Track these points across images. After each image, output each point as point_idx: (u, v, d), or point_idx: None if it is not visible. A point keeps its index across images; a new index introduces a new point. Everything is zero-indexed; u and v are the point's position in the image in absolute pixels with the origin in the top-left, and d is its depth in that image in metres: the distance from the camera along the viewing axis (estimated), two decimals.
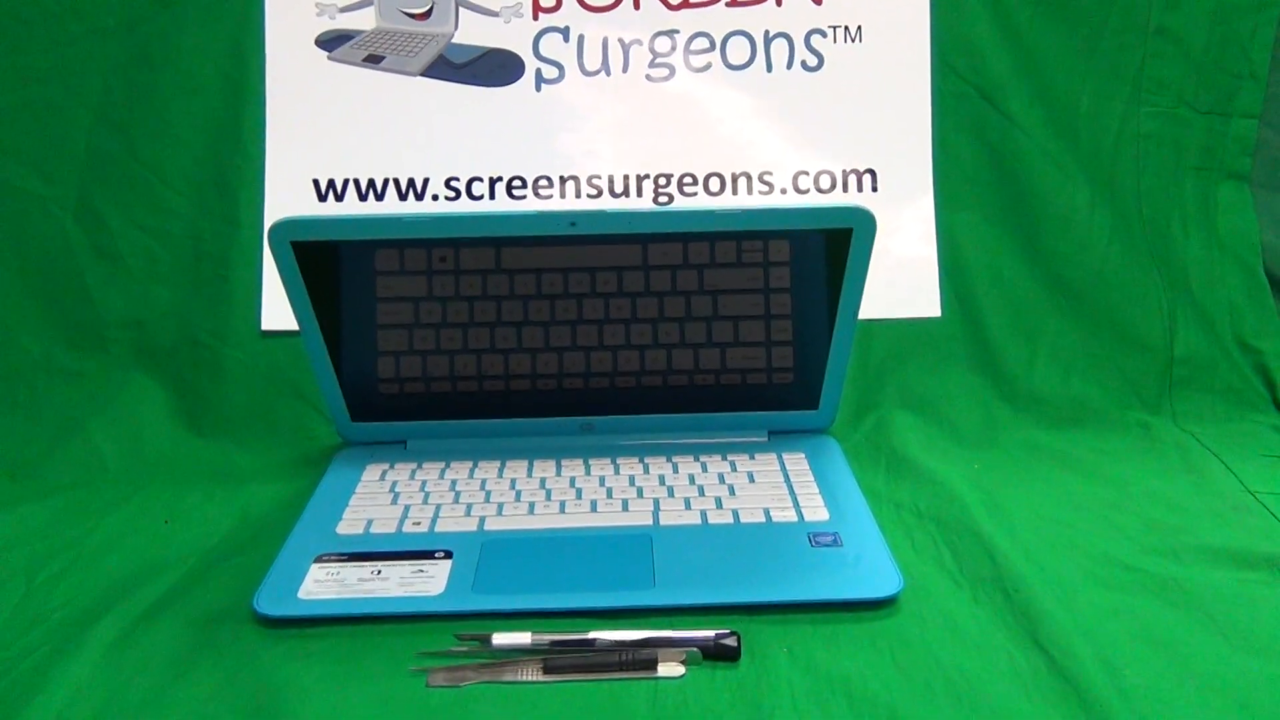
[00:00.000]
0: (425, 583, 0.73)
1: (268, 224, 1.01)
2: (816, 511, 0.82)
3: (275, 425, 0.98)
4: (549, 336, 0.96)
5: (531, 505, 0.84)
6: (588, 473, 0.90)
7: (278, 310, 1.01)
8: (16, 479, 0.92)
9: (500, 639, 0.68)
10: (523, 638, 0.68)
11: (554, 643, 0.67)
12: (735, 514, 0.82)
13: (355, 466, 0.92)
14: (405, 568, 0.75)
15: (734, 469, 0.90)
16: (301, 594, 0.72)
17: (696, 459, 0.92)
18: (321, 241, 0.84)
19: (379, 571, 0.75)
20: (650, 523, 0.81)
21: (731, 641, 0.66)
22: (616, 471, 0.90)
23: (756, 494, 0.85)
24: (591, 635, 0.68)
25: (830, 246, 0.85)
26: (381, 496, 0.86)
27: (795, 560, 0.75)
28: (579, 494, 0.86)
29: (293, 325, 0.86)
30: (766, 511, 0.82)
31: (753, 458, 0.92)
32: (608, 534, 0.79)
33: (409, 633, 0.70)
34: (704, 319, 0.96)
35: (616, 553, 0.77)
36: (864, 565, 0.74)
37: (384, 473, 0.90)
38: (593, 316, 0.96)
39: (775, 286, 0.96)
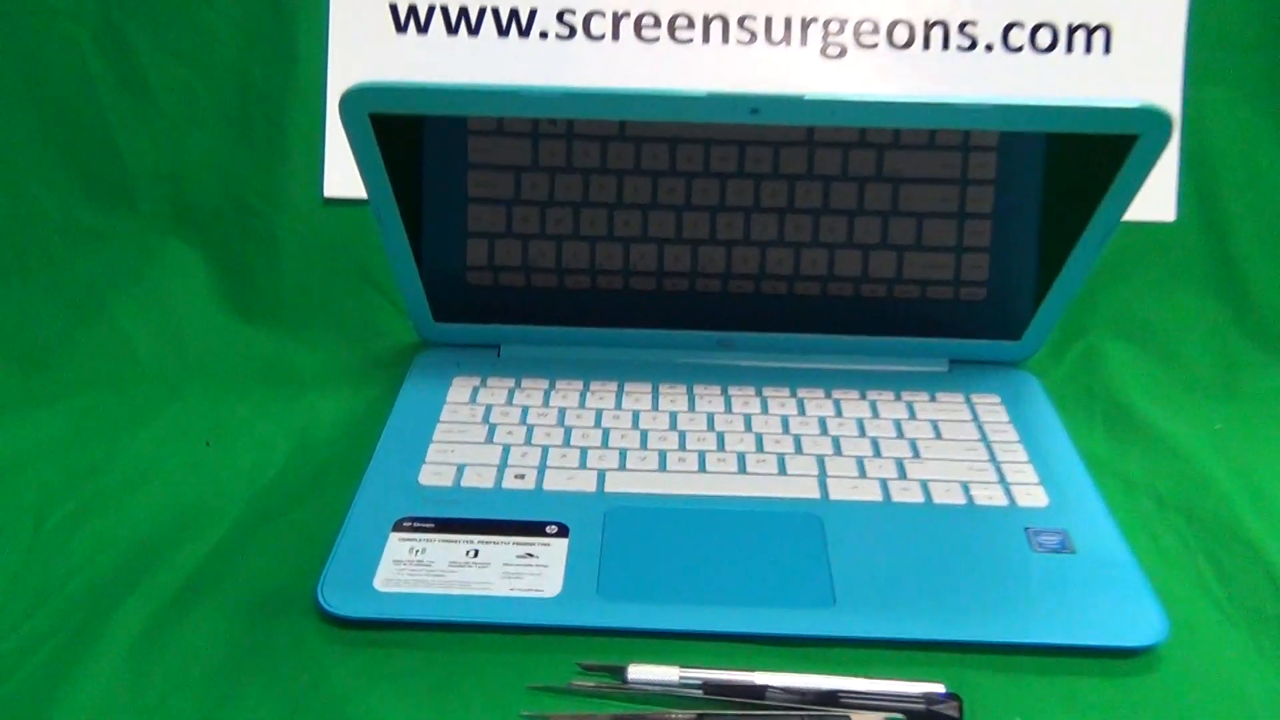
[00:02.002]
0: (536, 576, 0.57)
1: (333, 62, 0.80)
2: (1031, 491, 0.64)
3: (340, 317, 0.80)
4: (681, 224, 0.76)
5: (662, 457, 0.66)
6: (728, 408, 0.71)
7: (344, 172, 0.81)
8: (29, 372, 0.75)
9: (639, 673, 0.52)
10: (667, 673, 0.52)
11: (710, 685, 0.51)
12: (925, 489, 0.64)
13: (439, 379, 0.74)
14: (510, 547, 0.58)
15: (912, 414, 0.71)
16: (379, 583, 0.56)
17: (863, 395, 0.73)
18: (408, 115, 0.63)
19: (476, 553, 0.58)
20: (818, 495, 0.63)
21: (951, 713, 0.49)
22: (764, 409, 0.71)
23: (947, 456, 0.67)
24: (759, 679, 0.51)
25: (1091, 148, 0.63)
26: (473, 429, 0.69)
27: (1015, 572, 0.58)
28: (720, 441, 0.68)
29: (362, 192, 0.66)
30: (965, 488, 0.64)
31: (933, 398, 0.73)
32: (766, 510, 0.62)
33: (517, 648, 0.54)
34: (879, 213, 0.76)
35: (780, 543, 0.59)
36: (1108, 587, 0.56)
37: (475, 390, 0.73)
38: (738, 202, 0.76)
39: (977, 177, 0.75)
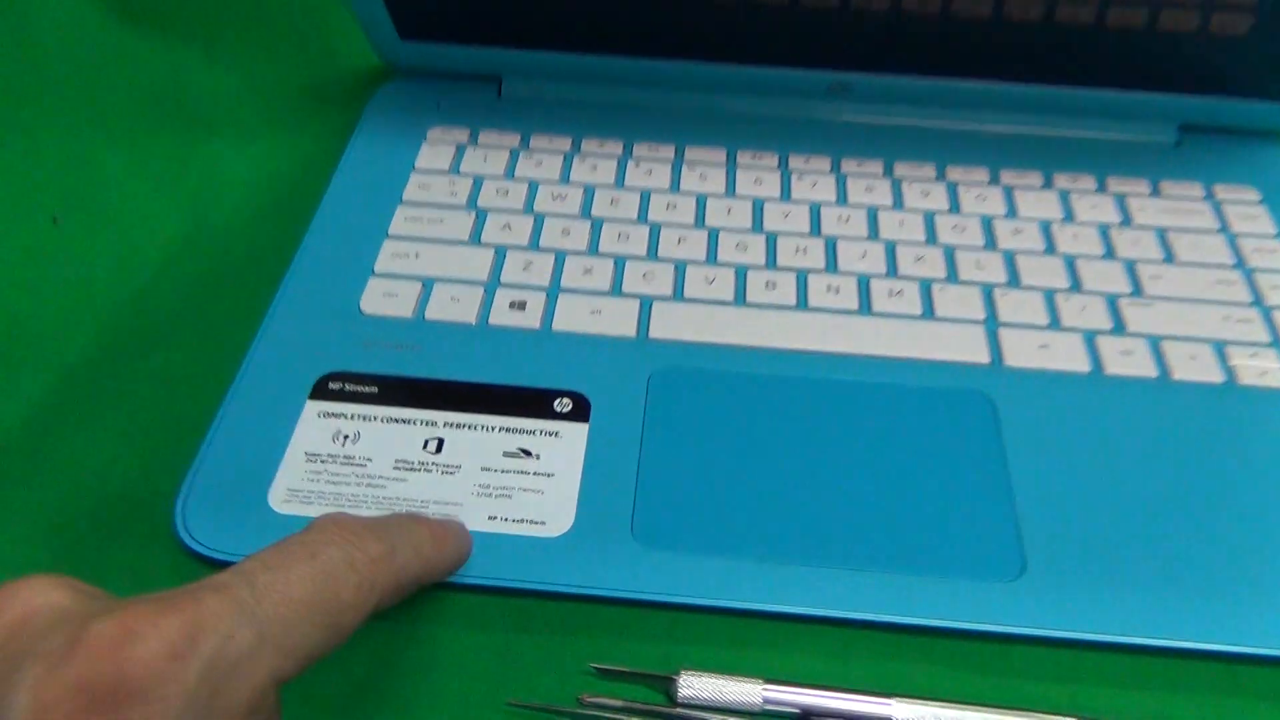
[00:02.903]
0: (534, 497, 0.35)
1: None
2: None
3: (264, 27, 0.54)
4: None
5: (740, 274, 0.43)
6: (841, 195, 0.47)
7: None
8: None
9: (696, 686, 0.31)
10: (743, 691, 0.31)
11: (810, 715, 0.30)
12: (1156, 352, 0.40)
13: (405, 130, 0.49)
14: (494, 438, 0.36)
15: (1125, 216, 0.46)
16: (277, 497, 0.34)
17: (1048, 182, 0.48)
18: None
19: (439, 445, 0.36)
20: (985, 357, 0.40)
21: None
22: (896, 198, 0.47)
23: (1187, 293, 0.43)
24: (897, 712, 0.30)
25: None
26: (452, 218, 0.45)
27: None
28: (830, 254, 0.44)
29: None
30: (1219, 352, 0.40)
31: (1156, 189, 0.48)
32: (902, 382, 0.39)
33: (494, 623, 0.33)
34: None
35: (927, 446, 0.37)
36: None
37: (458, 152, 0.48)
38: None
39: None
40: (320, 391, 0.38)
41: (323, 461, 0.35)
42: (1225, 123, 0.49)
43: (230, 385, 0.38)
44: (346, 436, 0.36)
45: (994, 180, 0.48)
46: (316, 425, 0.37)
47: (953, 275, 0.43)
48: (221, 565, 0.33)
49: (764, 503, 0.35)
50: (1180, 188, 0.47)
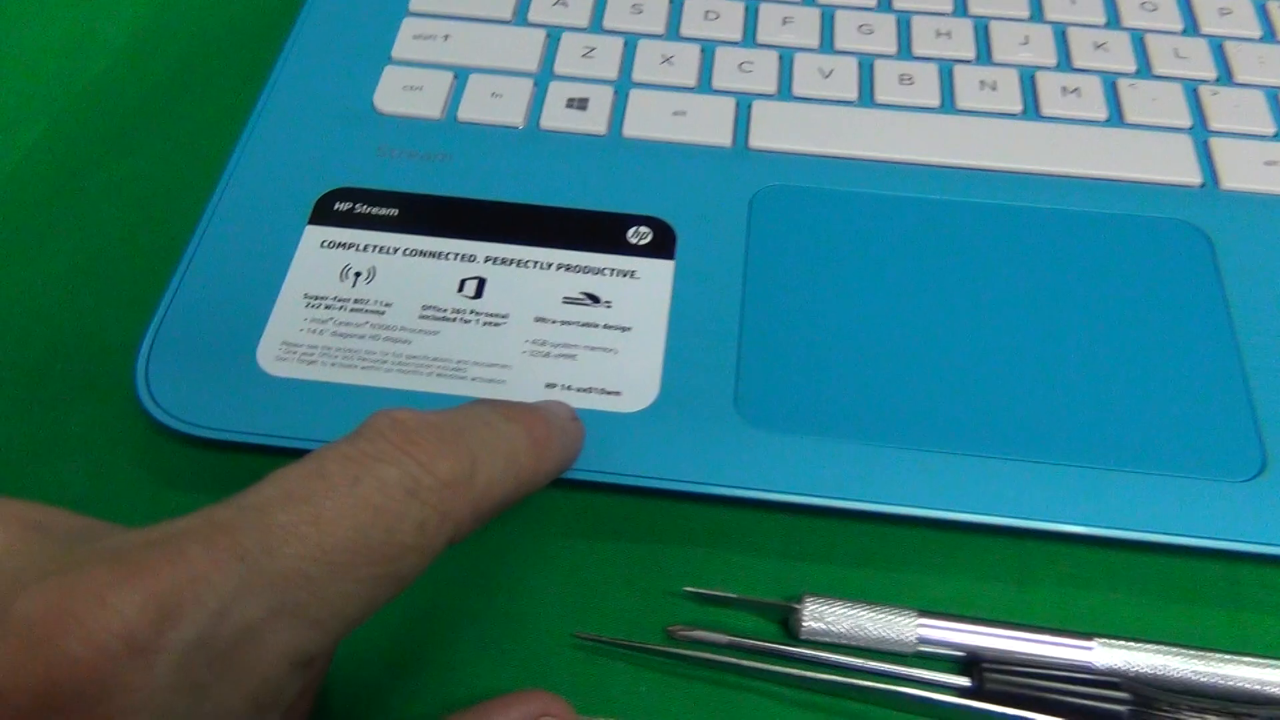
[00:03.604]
0: (605, 356, 0.26)
1: None
2: None
3: None
4: None
5: (864, 65, 0.33)
6: None
7: None
8: None
9: (822, 618, 0.23)
10: (895, 625, 0.23)
11: (980, 660, 0.22)
12: None
13: None
14: (552, 277, 0.28)
15: None
16: (268, 355, 0.26)
17: None
18: None
19: (479, 287, 0.27)
20: (1195, 178, 0.30)
21: None
22: None
23: None
24: (1094, 653, 0.22)
25: None
26: None
27: None
28: (980, 37, 0.34)
29: None
30: None
31: None
32: (1085, 214, 0.29)
33: (553, 525, 0.25)
34: None
35: (1125, 297, 0.28)
36: None
37: None
38: None
39: None
40: (323, 213, 0.29)
41: (327, 306, 0.27)
42: None
43: (207, 203, 0.29)
44: (358, 274, 0.28)
45: None
46: (319, 258, 0.28)
47: (1145, 68, 0.33)
48: (196, 442, 0.25)
49: (912, 370, 0.26)
50: None
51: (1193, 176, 0.30)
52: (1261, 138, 0.31)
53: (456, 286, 0.27)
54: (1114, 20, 0.34)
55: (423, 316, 0.27)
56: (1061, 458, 0.25)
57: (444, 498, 0.18)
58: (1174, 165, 0.30)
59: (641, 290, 0.27)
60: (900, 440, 0.25)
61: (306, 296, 0.27)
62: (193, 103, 0.33)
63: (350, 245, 0.28)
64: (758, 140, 0.31)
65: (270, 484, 0.17)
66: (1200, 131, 0.31)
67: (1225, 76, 0.33)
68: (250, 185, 0.29)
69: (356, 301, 0.27)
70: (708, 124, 0.31)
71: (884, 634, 0.23)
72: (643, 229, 0.29)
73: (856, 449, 0.25)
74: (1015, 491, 0.24)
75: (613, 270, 0.28)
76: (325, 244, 0.28)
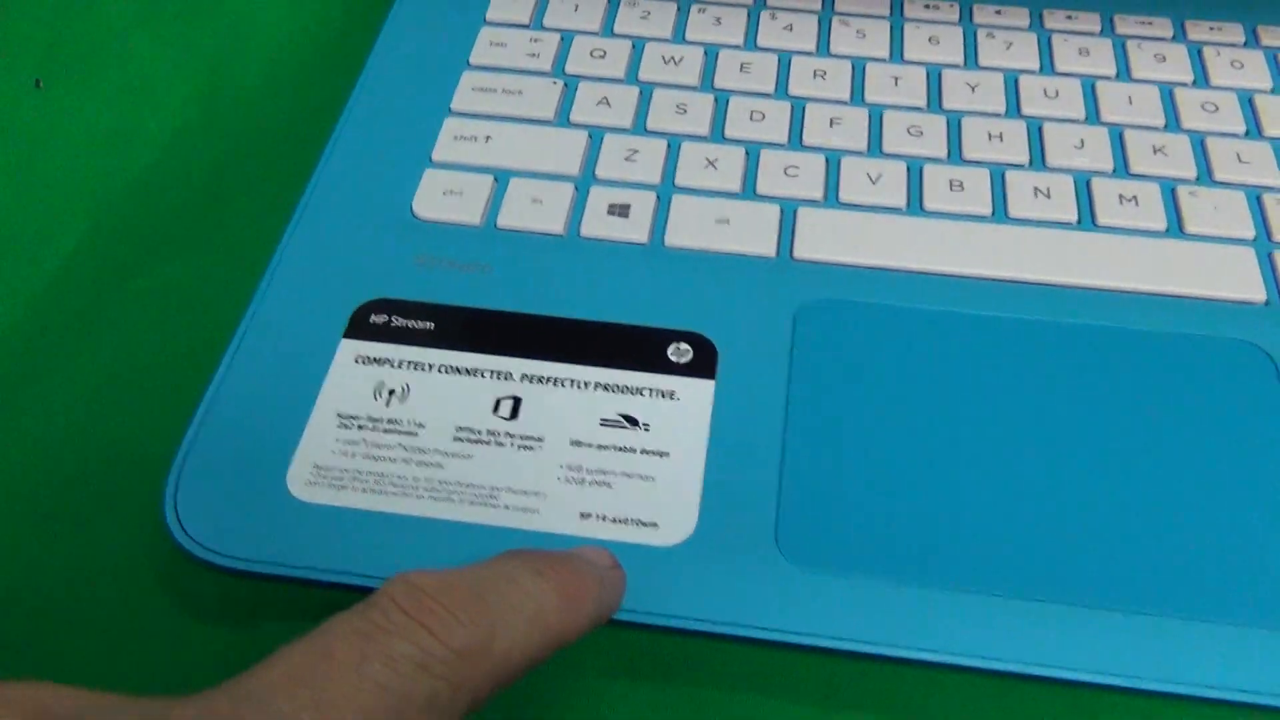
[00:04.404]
0: (641, 485, 0.25)
1: None
2: None
3: None
4: None
5: (914, 170, 0.32)
6: (1046, 63, 0.35)
7: None
8: None
9: None
10: None
11: None
12: None
13: None
14: (588, 397, 0.27)
15: None
16: (298, 481, 0.25)
17: None
18: None
19: (515, 407, 0.27)
20: (1259, 294, 0.29)
21: None
22: (1121, 69, 0.35)
23: None
24: None
25: None
26: (534, 86, 0.34)
27: None
28: (1034, 139, 0.33)
29: None
30: None
31: None
32: (1143, 333, 0.28)
33: (588, 657, 0.24)
34: None
35: (1186, 431, 0.26)
36: None
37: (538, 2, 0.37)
38: None
39: None
40: (359, 327, 0.28)
41: (360, 427, 0.26)
42: None
43: (244, 313, 0.28)
44: (393, 391, 0.27)
45: (1251, 41, 0.35)
46: (353, 374, 0.27)
47: (1205, 174, 0.32)
48: (222, 572, 0.24)
49: (964, 504, 0.25)
50: None
51: (1257, 292, 0.29)
52: None
53: (492, 406, 0.27)
54: (1173, 122, 0.33)
55: (456, 439, 0.26)
56: (1124, 605, 0.23)
57: (457, 669, 0.17)
58: (1237, 280, 0.29)
59: (681, 412, 0.27)
60: (951, 582, 0.24)
61: (339, 415, 0.27)
62: (235, 204, 0.33)
63: (385, 361, 0.28)
64: (803, 250, 0.30)
65: (274, 665, 0.16)
66: (1264, 242, 0.30)
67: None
68: (288, 295, 0.29)
69: (390, 422, 0.26)
70: (751, 232, 0.30)
71: None
72: (683, 345, 0.28)
73: (904, 591, 0.24)
74: (1077, 641, 0.23)
75: (652, 390, 0.27)
76: (359, 359, 0.28)
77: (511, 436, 0.26)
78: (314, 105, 0.35)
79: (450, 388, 0.27)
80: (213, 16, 0.39)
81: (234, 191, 0.33)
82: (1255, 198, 0.31)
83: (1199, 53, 0.35)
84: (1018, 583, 0.24)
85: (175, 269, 0.31)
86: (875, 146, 0.33)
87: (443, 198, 0.31)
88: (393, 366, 0.28)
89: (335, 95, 0.34)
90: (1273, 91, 0.34)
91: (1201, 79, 0.34)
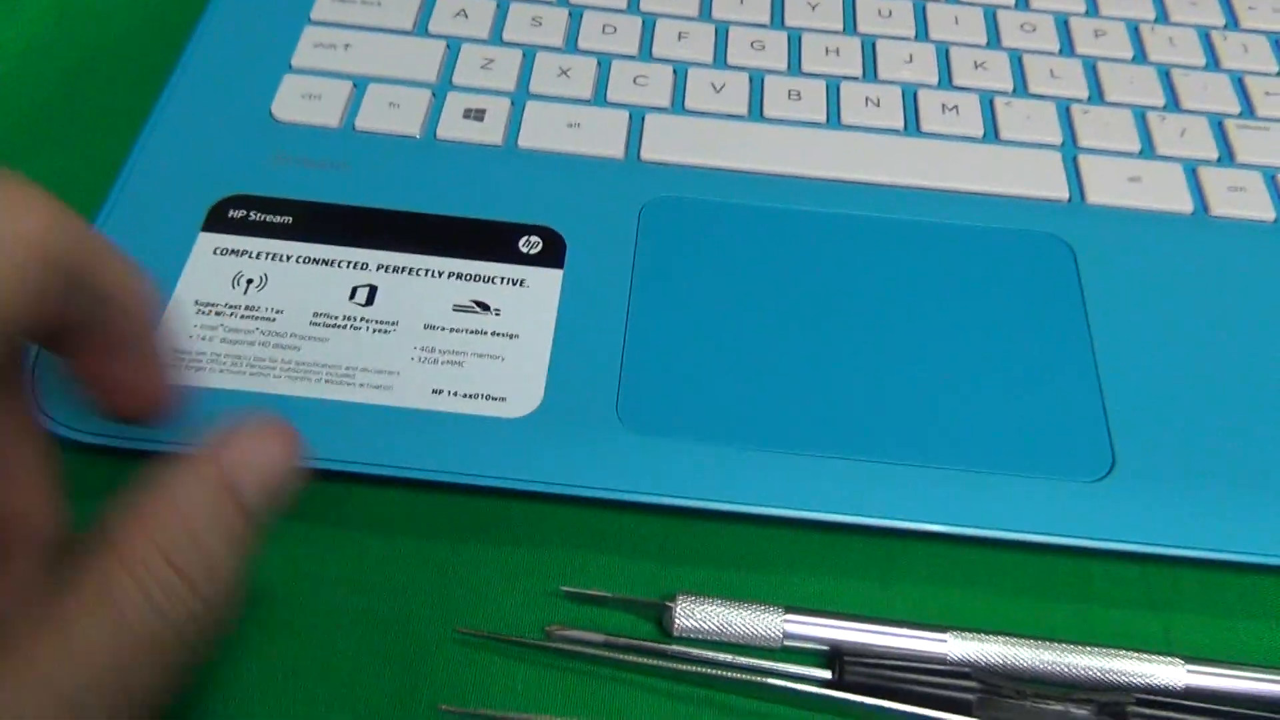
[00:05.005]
0: (491, 363, 0.27)
1: None
2: None
3: None
4: None
5: (755, 80, 0.34)
6: None
7: None
8: None
9: (694, 615, 0.24)
10: (763, 621, 0.24)
11: (843, 653, 0.24)
12: (1275, 192, 0.32)
13: None
14: (442, 285, 0.28)
15: (1231, 19, 0.37)
16: None
17: None
18: None
19: (371, 294, 0.28)
20: (1063, 193, 0.32)
21: None
22: None
23: None
24: (949, 645, 0.24)
25: None
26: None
27: None
28: (868, 54, 0.35)
29: None
30: None
31: None
32: (959, 227, 0.31)
33: (443, 519, 0.26)
34: None
35: (989, 304, 0.29)
36: None
37: None
38: None
39: None
40: (217, 220, 0.29)
41: (218, 313, 0.27)
42: None
43: (100, 209, 0.29)
44: (250, 281, 0.28)
45: None
46: (211, 265, 0.28)
47: (1021, 87, 0.34)
48: (83, 448, 0.25)
49: (786, 376, 0.27)
50: None
51: (1061, 191, 0.32)
52: (1127, 155, 0.33)
53: (348, 294, 0.28)
54: (994, 39, 0.36)
55: (313, 323, 0.27)
56: (923, 460, 0.26)
57: None
58: (1044, 180, 0.32)
59: (530, 298, 0.28)
60: (771, 444, 0.26)
61: (197, 303, 0.27)
62: (90, 109, 0.33)
63: (243, 252, 0.29)
64: (649, 152, 0.32)
65: None
66: (1070, 148, 0.33)
67: (1097, 95, 0.34)
68: (144, 191, 0.30)
69: (248, 308, 0.28)
70: (601, 136, 0.32)
71: (753, 630, 0.24)
72: (533, 238, 0.29)
73: (730, 453, 0.26)
74: (879, 493, 0.25)
75: (503, 279, 0.29)
76: (218, 251, 0.29)
77: (367, 321, 0.28)
78: (171, 16, 0.35)
79: (308, 277, 0.28)
80: None
81: (90, 96, 0.34)
82: (1064, 109, 0.34)
83: None
84: (825, 444, 0.26)
85: (32, 168, 0.31)
86: (720, 59, 0.34)
87: (301, 100, 0.32)
88: (251, 257, 0.28)
89: (193, 6, 0.34)
90: (1086, 14, 0.37)
91: (1023, 2, 0.37)
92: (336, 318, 0.27)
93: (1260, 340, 0.29)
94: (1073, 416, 0.27)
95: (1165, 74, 0.35)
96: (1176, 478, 0.26)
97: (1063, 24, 0.36)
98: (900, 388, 0.27)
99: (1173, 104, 0.34)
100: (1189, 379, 0.28)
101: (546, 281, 0.29)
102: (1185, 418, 0.27)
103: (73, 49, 0.35)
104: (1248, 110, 0.34)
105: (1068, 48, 0.36)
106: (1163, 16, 0.37)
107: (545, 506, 0.26)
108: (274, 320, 0.27)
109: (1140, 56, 0.36)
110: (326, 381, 0.26)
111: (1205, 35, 0.36)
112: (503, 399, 0.26)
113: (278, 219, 0.29)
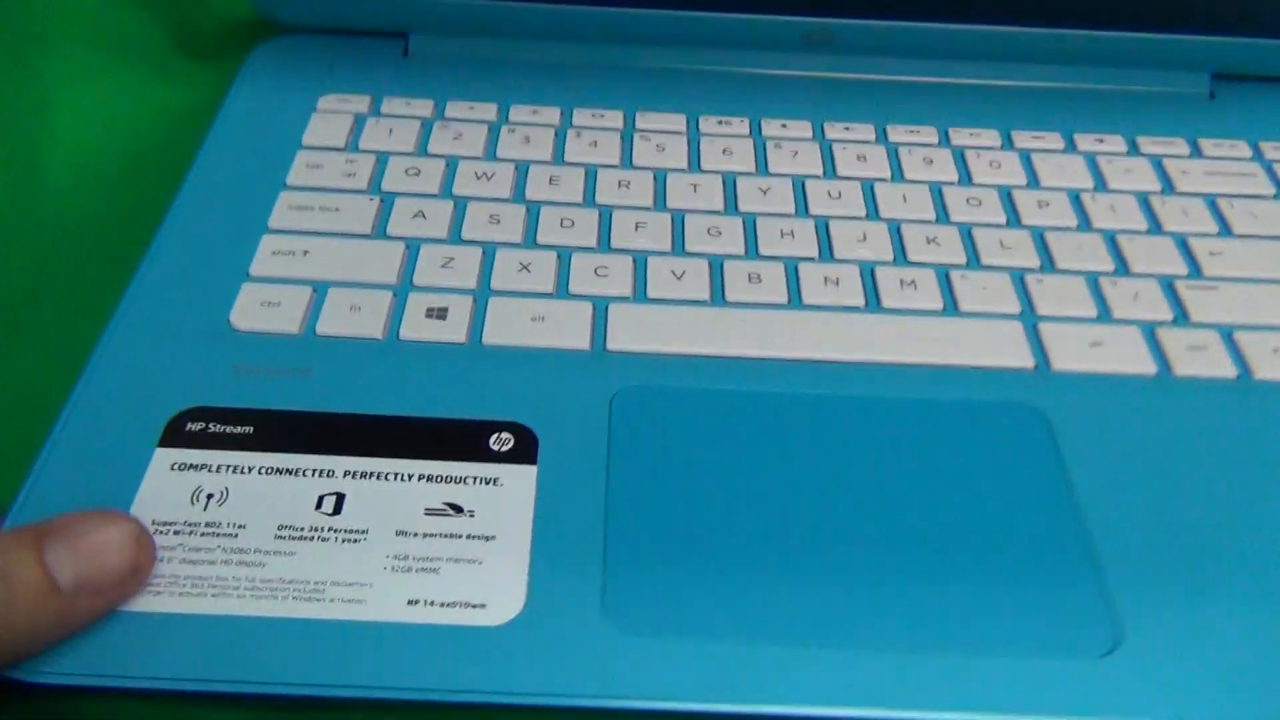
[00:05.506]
0: (468, 568, 0.26)
1: None
2: None
3: None
4: None
5: (715, 265, 0.34)
6: (829, 168, 0.38)
7: None
8: None
9: None
10: None
11: None
12: (1234, 350, 0.33)
13: (291, 97, 0.40)
14: (413, 489, 0.27)
15: (1167, 184, 0.39)
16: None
17: (1070, 144, 0.40)
18: None
19: (338, 501, 0.27)
20: (1028, 361, 0.32)
21: None
22: (895, 172, 0.39)
23: (1258, 276, 0.35)
24: None
25: None
26: (351, 203, 0.36)
27: None
28: (822, 235, 0.36)
29: None
30: None
31: (1195, 150, 0.40)
32: (929, 401, 0.31)
33: None
34: None
35: (972, 488, 0.29)
36: None
37: (356, 123, 0.39)
38: None
39: None
40: (174, 435, 0.28)
41: (176, 532, 0.26)
42: (1264, 69, 0.42)
43: (52, 427, 0.28)
44: (210, 496, 0.27)
45: (1007, 144, 0.40)
46: (168, 481, 0.27)
47: (974, 259, 0.35)
48: (37, 691, 0.23)
49: (771, 564, 0.26)
50: (1222, 146, 0.40)
51: (1026, 360, 0.32)
52: (1085, 320, 0.33)
53: (314, 504, 0.27)
54: (943, 215, 0.37)
55: (278, 537, 0.26)
56: (923, 646, 0.25)
57: None
58: (1008, 350, 0.32)
59: (505, 497, 0.27)
60: (763, 636, 0.25)
61: (154, 523, 0.26)
62: (43, 314, 0.33)
63: (202, 466, 0.27)
64: (615, 342, 0.31)
65: None
66: (1029, 316, 0.33)
67: (1048, 263, 0.35)
68: (98, 408, 0.29)
69: (208, 525, 0.26)
70: (566, 328, 0.32)
71: None
72: (504, 435, 0.29)
73: (723, 648, 0.25)
74: (882, 681, 0.24)
75: (475, 478, 0.28)
76: (175, 466, 0.27)
77: (335, 531, 0.26)
78: (128, 228, 0.35)
79: (271, 488, 0.27)
80: (25, 131, 0.39)
81: (41, 304, 0.33)
82: (1019, 278, 0.34)
83: (962, 155, 0.39)
84: (821, 634, 0.25)
85: None
86: (679, 246, 0.35)
87: (260, 309, 0.32)
88: (211, 471, 0.27)
89: (150, 209, 0.34)
90: (1028, 186, 0.38)
91: (965, 178, 0.38)
92: (303, 529, 0.26)
93: (1252, 497, 0.28)
94: (1069, 591, 0.26)
95: (1111, 239, 0.36)
96: (1185, 648, 0.25)
97: (1006, 196, 0.37)
98: (892, 571, 0.26)
99: (1122, 268, 0.35)
100: (1183, 543, 0.27)
101: (520, 479, 0.28)
102: (1185, 584, 0.26)
103: (28, 253, 0.35)
104: (1195, 271, 0.35)
105: (1014, 219, 0.37)
106: (1101, 185, 0.38)
107: (534, 717, 0.24)
108: (236, 536, 0.26)
109: (1085, 224, 0.37)
110: (294, 598, 0.25)
111: (1144, 200, 0.38)
112: (482, 605, 0.25)
113: (238, 430, 0.28)
